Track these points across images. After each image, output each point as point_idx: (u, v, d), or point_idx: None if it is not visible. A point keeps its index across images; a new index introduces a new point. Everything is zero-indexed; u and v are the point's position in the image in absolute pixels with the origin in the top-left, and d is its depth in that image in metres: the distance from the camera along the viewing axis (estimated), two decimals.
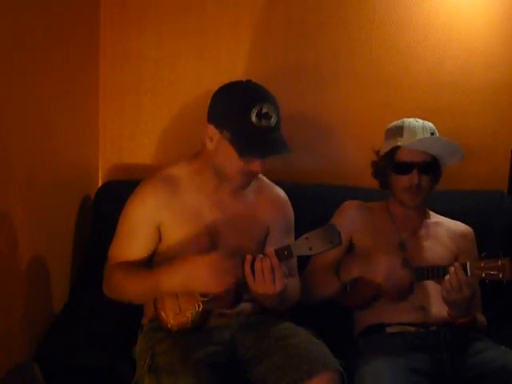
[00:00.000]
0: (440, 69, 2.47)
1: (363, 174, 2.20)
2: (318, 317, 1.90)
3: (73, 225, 2.22)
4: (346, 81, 2.48)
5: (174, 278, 1.66)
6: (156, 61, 2.43)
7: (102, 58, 2.42)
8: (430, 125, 1.99)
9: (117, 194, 1.94)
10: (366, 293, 1.90)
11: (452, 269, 1.77)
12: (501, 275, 1.76)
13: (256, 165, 1.72)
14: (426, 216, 2.09)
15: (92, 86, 2.40)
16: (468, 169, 2.42)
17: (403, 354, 1.78)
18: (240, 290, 1.69)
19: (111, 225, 1.84)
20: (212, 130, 1.72)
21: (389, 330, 1.90)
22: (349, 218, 2.04)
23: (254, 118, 1.65)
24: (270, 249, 1.66)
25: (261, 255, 1.65)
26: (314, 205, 2.25)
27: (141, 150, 2.49)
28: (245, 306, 1.77)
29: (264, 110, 1.66)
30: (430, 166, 1.96)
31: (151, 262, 1.82)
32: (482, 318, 1.95)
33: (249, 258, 1.65)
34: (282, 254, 1.64)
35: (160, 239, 1.80)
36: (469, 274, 1.77)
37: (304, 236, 1.63)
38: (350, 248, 2.04)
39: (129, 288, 1.75)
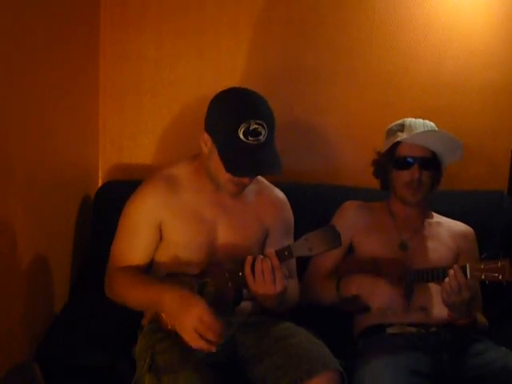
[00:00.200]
0: (440, 69, 2.47)
1: (363, 174, 2.20)
2: (318, 317, 1.90)
3: (73, 225, 2.22)
4: (346, 81, 2.48)
5: (172, 304, 1.62)
6: (156, 61, 2.43)
7: (102, 58, 2.42)
8: (432, 123, 2.00)
9: (117, 194, 1.95)
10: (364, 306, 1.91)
11: (451, 271, 1.76)
12: (501, 277, 1.75)
13: (244, 178, 1.74)
14: (427, 216, 2.09)
15: (92, 86, 2.40)
16: (468, 169, 2.43)
17: (403, 354, 1.78)
18: (240, 290, 1.69)
19: (111, 225, 1.84)
20: (206, 136, 1.74)
21: (389, 330, 1.90)
22: (349, 219, 2.05)
23: (241, 135, 1.65)
24: (270, 249, 1.67)
25: (261, 256, 1.65)
26: (314, 205, 2.24)
27: (141, 150, 2.49)
28: (245, 305, 1.77)
29: (252, 127, 1.65)
30: (431, 162, 1.97)
31: (152, 261, 1.83)
32: (482, 319, 1.95)
33: (249, 258, 1.65)
34: (282, 254, 1.65)
35: (161, 238, 1.81)
36: (468, 276, 1.77)
37: (304, 237, 1.63)
38: (351, 248, 2.04)
39: (131, 297, 1.74)
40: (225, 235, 1.81)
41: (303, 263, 1.98)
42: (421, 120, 2.00)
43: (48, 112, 1.92)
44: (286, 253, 1.64)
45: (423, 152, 1.96)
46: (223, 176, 1.73)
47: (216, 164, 1.73)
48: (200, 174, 1.83)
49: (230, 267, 1.69)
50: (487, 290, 1.89)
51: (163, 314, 1.70)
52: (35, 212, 1.84)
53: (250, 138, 1.65)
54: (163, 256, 1.81)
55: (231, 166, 1.68)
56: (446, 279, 1.77)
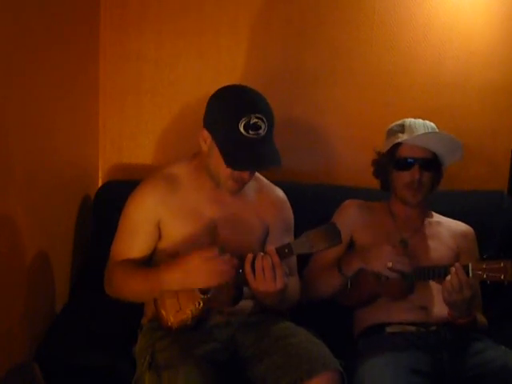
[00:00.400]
0: (440, 69, 2.47)
1: (363, 174, 2.20)
2: (318, 317, 1.90)
3: (73, 225, 2.22)
4: (346, 81, 2.48)
5: (173, 276, 1.67)
6: (156, 61, 2.43)
7: (102, 58, 2.42)
8: (432, 124, 2.00)
9: (117, 193, 1.95)
10: (367, 287, 1.91)
11: (453, 269, 1.77)
12: (502, 276, 1.75)
13: (245, 173, 1.74)
14: (427, 216, 2.09)
15: (92, 86, 2.40)
16: (468, 169, 2.43)
17: (403, 353, 1.78)
18: (240, 287, 1.69)
19: (111, 225, 1.85)
20: (205, 133, 1.75)
21: (389, 329, 1.90)
22: (349, 217, 2.05)
23: (241, 129, 1.66)
24: (270, 247, 1.67)
25: (261, 253, 1.65)
26: (314, 205, 2.24)
27: (141, 150, 2.49)
28: (245, 304, 1.77)
29: (253, 121, 1.66)
30: (431, 163, 1.97)
31: (152, 260, 1.83)
32: (482, 319, 1.95)
33: (249, 256, 1.65)
34: (283, 252, 1.65)
35: (160, 236, 1.81)
36: (470, 275, 1.77)
37: (304, 234, 1.63)
38: (351, 247, 2.04)
39: (129, 287, 1.75)
40: (224, 233, 1.81)
41: (303, 261, 1.98)
42: (421, 120, 2.01)
43: (48, 112, 1.92)
44: (287, 250, 1.64)
45: (424, 153, 1.96)
46: (223, 172, 1.74)
47: (216, 160, 1.73)
48: (199, 172, 1.83)
49: None
50: (487, 289, 1.89)
51: (163, 311, 1.71)
52: (35, 212, 1.84)
53: (250, 132, 1.66)
54: (163, 254, 1.81)
55: (231, 159, 1.69)
56: (448, 277, 1.77)
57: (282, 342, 1.71)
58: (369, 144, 2.10)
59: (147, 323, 1.81)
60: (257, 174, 1.87)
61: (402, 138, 1.97)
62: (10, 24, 1.61)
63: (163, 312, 1.72)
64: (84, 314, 2.02)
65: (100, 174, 2.50)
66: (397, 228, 2.03)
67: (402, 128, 2.00)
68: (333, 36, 2.45)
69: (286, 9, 2.43)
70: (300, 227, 1.84)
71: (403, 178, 1.98)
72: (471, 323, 1.86)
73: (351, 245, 2.05)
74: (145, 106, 2.47)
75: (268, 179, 1.96)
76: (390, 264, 1.82)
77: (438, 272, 1.82)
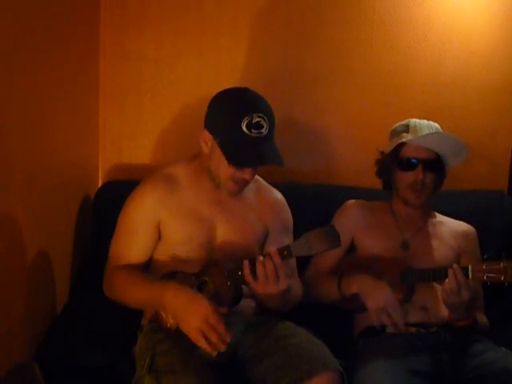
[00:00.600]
0: (440, 69, 2.47)
1: (363, 174, 2.20)
2: (318, 317, 1.90)
3: (73, 225, 2.22)
4: (346, 81, 2.48)
5: (176, 300, 1.62)
6: (156, 61, 2.43)
7: (102, 58, 2.42)
8: (436, 124, 2.00)
9: (117, 193, 1.95)
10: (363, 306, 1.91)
11: (451, 271, 1.76)
12: (502, 278, 1.75)
13: (246, 172, 1.74)
14: (429, 216, 2.09)
15: (92, 86, 2.40)
16: (468, 169, 2.42)
17: (403, 354, 1.78)
18: (239, 288, 1.69)
19: (111, 225, 1.84)
20: (206, 134, 1.76)
21: (389, 330, 1.90)
22: (351, 217, 2.05)
23: (244, 128, 1.67)
24: (272, 248, 1.65)
25: (261, 257, 1.63)
26: (313, 205, 2.24)
27: (141, 150, 2.49)
28: (245, 305, 1.76)
29: (255, 120, 1.68)
30: (435, 164, 1.97)
31: (151, 260, 1.83)
32: (483, 319, 1.95)
33: (246, 262, 1.63)
34: (282, 253, 1.64)
35: (159, 237, 1.81)
36: (470, 277, 1.77)
37: (303, 236, 1.63)
38: (352, 247, 2.04)
39: (130, 295, 1.74)
40: (224, 234, 1.81)
41: (303, 263, 1.98)
42: (425, 121, 2.00)
43: (48, 112, 1.92)
44: (286, 252, 1.64)
45: (428, 154, 1.95)
46: (224, 173, 1.74)
47: (217, 161, 1.73)
48: (199, 173, 1.83)
49: (229, 266, 1.69)
50: (489, 290, 1.90)
51: (162, 313, 1.70)
52: (35, 212, 1.84)
53: (253, 131, 1.67)
54: (162, 255, 1.81)
55: (234, 158, 1.69)
56: (447, 280, 1.77)
57: (282, 343, 1.70)
58: (369, 144, 2.10)
59: (147, 324, 1.81)
60: (256, 176, 1.87)
61: (407, 138, 1.97)
62: (10, 24, 1.61)
63: (162, 314, 1.71)
64: (84, 314, 2.01)
65: (100, 174, 2.50)
66: (398, 228, 2.03)
67: (406, 128, 1.99)
68: (333, 36, 2.45)
69: (286, 9, 2.43)
70: (300, 227, 1.83)
71: (406, 178, 1.97)
72: (471, 325, 1.86)
73: (352, 246, 2.04)
74: (145, 106, 2.47)
75: (268, 180, 1.96)
76: (383, 319, 1.80)
77: (439, 274, 1.82)
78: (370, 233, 2.02)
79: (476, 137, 2.48)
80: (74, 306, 2.09)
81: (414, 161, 1.95)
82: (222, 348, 1.55)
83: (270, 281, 1.62)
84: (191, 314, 1.58)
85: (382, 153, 2.06)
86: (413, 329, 1.89)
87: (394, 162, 2.00)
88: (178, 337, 1.65)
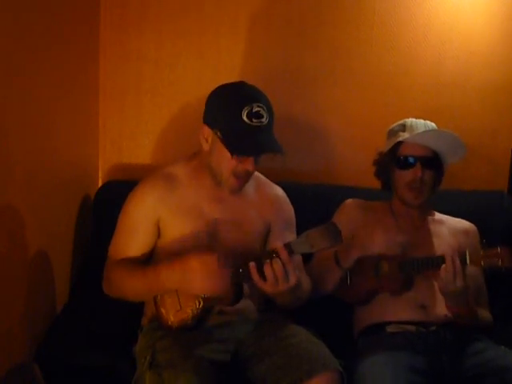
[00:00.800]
0: (440, 69, 2.47)
1: (363, 174, 2.20)
2: (318, 317, 1.90)
3: (73, 225, 2.22)
4: (346, 81, 2.48)
5: (172, 277, 1.66)
6: (156, 61, 2.43)
7: (102, 58, 2.42)
8: (433, 124, 2.01)
9: (117, 193, 1.95)
10: (365, 284, 1.92)
11: (449, 256, 1.77)
12: (500, 262, 1.75)
13: (248, 163, 1.73)
14: (429, 214, 2.09)
15: (92, 86, 2.40)
16: (468, 169, 2.43)
17: (403, 353, 1.78)
18: (240, 286, 1.69)
19: (111, 225, 1.84)
20: (206, 130, 1.75)
21: (389, 329, 1.90)
22: (350, 216, 2.05)
23: (245, 117, 1.67)
24: (278, 243, 1.64)
25: (267, 260, 1.62)
26: (313, 205, 2.24)
27: (141, 150, 2.49)
28: (245, 304, 1.77)
29: (255, 110, 1.68)
30: (433, 161, 1.97)
31: (151, 259, 1.83)
32: (484, 314, 1.95)
33: (252, 264, 1.62)
34: (286, 250, 1.64)
35: (159, 235, 1.81)
36: (468, 262, 1.77)
37: (305, 234, 1.62)
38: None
39: (128, 285, 1.75)
40: (225, 231, 1.81)
41: (306, 259, 1.97)
42: (422, 120, 2.01)
43: (48, 112, 1.92)
44: (287, 250, 1.64)
45: (425, 151, 1.96)
46: (226, 167, 1.73)
47: (218, 156, 1.73)
48: (199, 171, 1.83)
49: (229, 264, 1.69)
50: (491, 289, 1.89)
51: (163, 310, 1.70)
52: (35, 212, 1.84)
53: (254, 120, 1.67)
54: (162, 253, 1.81)
55: (236, 147, 1.69)
56: (443, 266, 1.77)
57: (282, 343, 1.70)
58: (369, 144, 2.10)
59: (147, 323, 1.81)
60: (256, 172, 1.87)
61: (403, 136, 1.97)
62: (10, 24, 1.61)
63: (163, 311, 1.71)
64: (84, 314, 2.02)
65: (100, 174, 2.50)
66: (398, 227, 2.03)
67: (403, 127, 2.00)
68: (333, 36, 2.45)
69: (286, 9, 2.43)
70: (300, 227, 1.84)
71: (405, 176, 1.98)
72: (470, 317, 1.85)
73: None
74: (145, 106, 2.47)
75: (268, 179, 1.96)
76: None
77: (436, 261, 1.82)
78: (369, 231, 2.02)
79: (476, 137, 2.48)
80: (73, 305, 2.09)
81: (411, 159, 1.96)
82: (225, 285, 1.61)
83: (280, 279, 1.61)
84: (188, 271, 1.62)
85: (380, 153, 2.06)
86: (413, 327, 1.89)
87: (391, 161, 2.01)
88: (178, 334, 1.65)
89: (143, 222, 1.79)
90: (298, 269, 1.77)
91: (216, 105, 1.75)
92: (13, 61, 1.64)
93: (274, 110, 1.74)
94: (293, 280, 1.62)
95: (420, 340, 1.85)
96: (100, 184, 2.44)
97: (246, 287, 1.71)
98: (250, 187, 1.87)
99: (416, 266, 1.87)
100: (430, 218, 2.08)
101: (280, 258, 1.60)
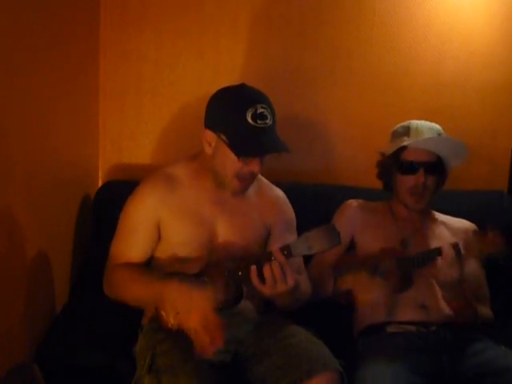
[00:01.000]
0: (440, 69, 2.48)
1: (363, 174, 2.20)
2: (318, 317, 1.90)
3: (73, 225, 2.22)
4: (346, 81, 2.48)
5: (176, 293, 1.63)
6: (156, 61, 2.43)
7: (102, 58, 2.42)
8: (437, 126, 2.00)
9: (117, 194, 1.95)
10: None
11: (445, 248, 1.79)
12: (493, 249, 1.79)
13: (254, 164, 1.73)
14: (428, 214, 2.09)
15: (92, 86, 2.40)
16: (468, 169, 2.42)
17: (403, 353, 1.78)
18: (240, 288, 1.69)
19: (111, 225, 1.84)
20: (209, 134, 1.74)
21: (389, 329, 1.90)
22: (350, 217, 2.05)
23: (249, 119, 1.67)
24: (275, 247, 1.65)
25: (268, 263, 1.61)
26: (313, 205, 2.24)
27: (141, 150, 2.49)
28: (245, 305, 1.76)
29: (259, 111, 1.68)
30: (436, 167, 1.97)
31: (151, 260, 1.83)
32: (485, 311, 1.95)
33: (253, 268, 1.62)
34: (282, 253, 1.64)
35: (160, 237, 1.81)
36: (463, 252, 1.80)
37: (303, 235, 1.62)
38: (351, 246, 2.05)
39: (130, 292, 1.73)
40: (224, 234, 1.81)
41: (305, 260, 1.98)
42: (427, 123, 2.00)
43: (48, 112, 1.92)
44: (286, 252, 1.63)
45: (429, 156, 1.95)
46: (231, 169, 1.73)
47: (223, 159, 1.73)
48: (200, 173, 1.83)
49: (229, 266, 1.69)
50: (492, 282, 1.91)
51: (163, 312, 1.70)
52: (35, 212, 1.84)
53: (258, 122, 1.67)
54: (162, 255, 1.81)
55: (242, 149, 1.69)
56: (439, 257, 1.80)
57: (282, 343, 1.70)
58: (369, 144, 2.10)
59: (148, 324, 1.81)
60: None
61: (408, 141, 1.96)
62: (10, 24, 1.61)
63: (163, 313, 1.71)
64: (84, 314, 2.01)
65: (100, 174, 2.50)
66: (398, 228, 2.03)
67: (407, 131, 1.98)
68: (333, 36, 2.45)
69: (286, 9, 2.43)
70: (300, 227, 1.84)
71: (407, 181, 1.97)
72: (470, 313, 1.85)
73: (351, 245, 2.05)
74: (145, 106, 2.47)
75: (268, 179, 1.96)
76: None
77: (433, 253, 1.84)
78: (369, 232, 2.03)
79: (476, 137, 2.48)
80: (73, 306, 2.08)
81: (415, 165, 1.95)
82: (210, 354, 1.54)
83: (278, 282, 1.61)
84: (191, 312, 1.58)
85: (383, 154, 2.06)
86: (413, 328, 1.89)
87: (394, 164, 2.00)
88: (178, 337, 1.65)
89: (144, 223, 1.79)
90: (298, 271, 1.78)
91: (219, 108, 1.74)
92: (13, 61, 1.63)
93: (275, 111, 1.74)
94: (291, 282, 1.62)
95: (420, 340, 1.85)
96: (100, 184, 2.44)
97: (245, 288, 1.70)
98: (250, 189, 1.86)
99: (414, 262, 1.88)
100: (429, 218, 2.08)
101: (278, 262, 1.60)
